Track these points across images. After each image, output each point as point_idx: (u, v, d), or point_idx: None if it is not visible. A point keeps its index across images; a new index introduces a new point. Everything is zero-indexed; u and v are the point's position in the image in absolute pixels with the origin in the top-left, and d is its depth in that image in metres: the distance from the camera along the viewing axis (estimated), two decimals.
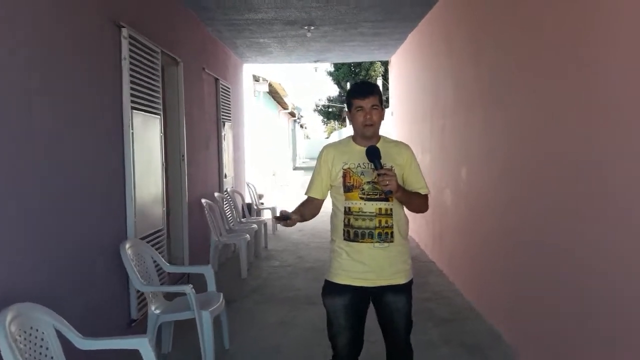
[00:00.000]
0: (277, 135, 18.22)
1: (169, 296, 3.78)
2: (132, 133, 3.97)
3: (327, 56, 9.50)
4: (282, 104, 18.10)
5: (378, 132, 2.51)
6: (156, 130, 4.62)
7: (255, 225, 6.75)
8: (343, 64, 27.56)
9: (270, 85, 12.24)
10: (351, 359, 2.52)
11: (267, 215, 9.19)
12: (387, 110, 11.34)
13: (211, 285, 3.77)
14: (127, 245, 3.44)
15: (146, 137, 4.37)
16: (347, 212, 2.43)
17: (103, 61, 3.70)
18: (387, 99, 12.00)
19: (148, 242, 4.30)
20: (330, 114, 33.14)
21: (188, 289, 3.27)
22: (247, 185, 8.67)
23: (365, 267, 2.40)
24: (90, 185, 3.41)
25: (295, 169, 29.26)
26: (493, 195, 4.20)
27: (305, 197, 2.59)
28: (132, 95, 4.00)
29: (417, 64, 7.49)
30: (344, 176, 2.44)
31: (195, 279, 4.72)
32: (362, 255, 2.40)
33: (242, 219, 7.23)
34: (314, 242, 7.68)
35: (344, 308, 2.44)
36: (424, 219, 7.05)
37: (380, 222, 2.38)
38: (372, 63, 23.90)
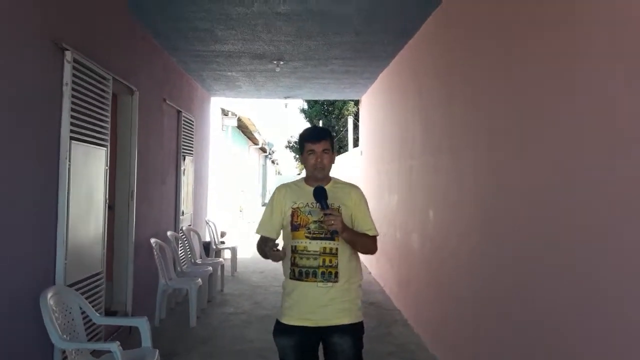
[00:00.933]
0: (245, 170, 17.86)
1: (98, 353, 3.32)
2: (69, 166, 3.58)
3: (297, 92, 9.30)
4: (253, 139, 17.82)
5: (328, 175, 2.58)
6: (100, 163, 4.23)
7: (210, 268, 6.31)
8: (316, 102, 27.64)
9: (239, 119, 11.96)
10: None
11: (227, 255, 8.74)
12: (356, 150, 11.16)
13: (146, 341, 3.33)
14: (49, 295, 3.00)
15: (87, 170, 3.97)
16: (294, 250, 2.45)
17: (41, 86, 3.35)
18: (358, 138, 11.84)
19: (83, 287, 3.86)
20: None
21: (114, 346, 2.84)
22: (207, 222, 8.24)
23: (309, 307, 2.42)
24: (13, 224, 3.00)
25: (264, 204, 28.77)
26: (461, 242, 3.93)
27: (258, 236, 2.62)
28: (72, 124, 3.62)
29: (386, 104, 7.34)
30: (292, 215, 2.48)
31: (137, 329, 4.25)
32: (306, 295, 2.42)
33: (198, 260, 6.77)
34: (273, 286, 7.24)
35: (292, 348, 2.46)
36: (389, 263, 6.74)
37: (324, 261, 2.41)
38: (344, 102, 23.99)
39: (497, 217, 3.28)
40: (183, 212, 7.35)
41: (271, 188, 40.48)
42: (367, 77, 7.74)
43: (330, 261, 2.42)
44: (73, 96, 3.64)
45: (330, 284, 2.41)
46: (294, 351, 2.47)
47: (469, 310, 3.75)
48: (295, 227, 2.48)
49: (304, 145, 2.53)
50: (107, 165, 4.35)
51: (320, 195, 2.40)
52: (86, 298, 3.92)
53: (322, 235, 2.43)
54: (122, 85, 4.84)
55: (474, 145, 3.70)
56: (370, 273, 8.39)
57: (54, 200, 3.49)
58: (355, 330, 2.48)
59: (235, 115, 11.38)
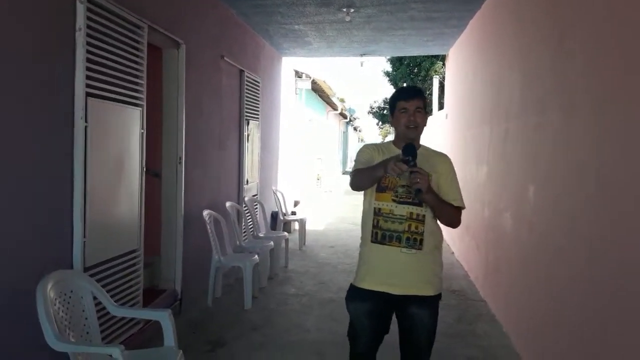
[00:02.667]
0: (323, 137, 17.21)
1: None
2: (86, 127, 3.04)
3: (374, 48, 8.34)
4: (331, 104, 17.05)
5: (420, 138, 2.47)
6: (134, 124, 3.69)
7: (271, 243, 5.72)
8: (401, 64, 26.15)
9: (313, 82, 11.21)
10: (368, 358, 2.48)
11: (296, 227, 8.18)
12: (441, 112, 10.05)
13: (168, 338, 2.76)
14: (49, 284, 2.48)
15: (115, 133, 3.44)
16: (377, 213, 2.37)
17: (50, 31, 2.80)
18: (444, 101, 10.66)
19: (111, 268, 3.37)
20: (384, 116, 31.65)
21: (117, 352, 2.27)
22: (274, 193, 7.67)
23: (390, 272, 2.33)
24: (20, 195, 2.51)
25: (345, 173, 28.13)
26: (571, 232, 2.95)
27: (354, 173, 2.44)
28: (90, 78, 3.07)
29: (477, 56, 6.22)
30: (392, 172, 2.25)
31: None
32: (388, 260, 2.34)
33: (261, 234, 6.22)
34: (342, 264, 6.56)
35: (367, 314, 2.40)
36: (475, 244, 5.78)
37: (410, 226, 2.33)
38: (432, 63, 22.41)
39: (628, 203, 2.29)
40: (247, 181, 6.82)
41: (352, 155, 39.62)
42: (454, 25, 6.62)
43: (417, 227, 2.33)
44: (90, 44, 3.07)
45: (414, 250, 2.33)
46: (369, 318, 2.39)
47: (575, 314, 2.81)
48: (381, 189, 2.37)
49: (395, 105, 2.43)
50: (142, 128, 3.80)
51: (410, 151, 2.22)
52: (117, 280, 3.47)
53: (410, 200, 2.33)
54: (164, 37, 4.25)
55: (598, 101, 2.67)
56: (452, 253, 7.45)
57: (68, 167, 2.97)
58: (434, 303, 2.39)
59: (310, 77, 10.63)
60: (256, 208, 6.70)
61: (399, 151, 2.30)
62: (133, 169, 3.72)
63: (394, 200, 2.35)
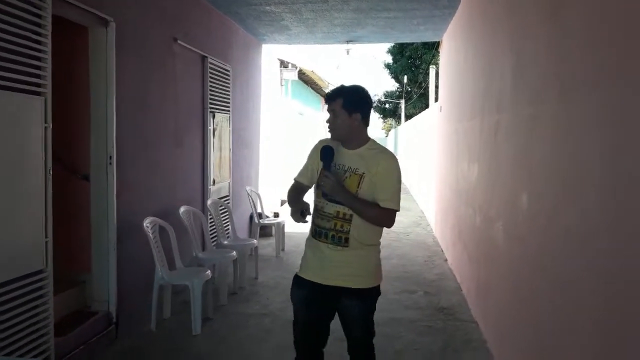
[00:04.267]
0: (318, 131, 16.47)
1: None
2: None
3: (360, 34, 7.60)
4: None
5: (350, 136, 2.49)
6: (31, 117, 2.99)
7: (233, 253, 5.02)
8: (401, 56, 25.35)
9: (301, 72, 10.47)
10: (309, 353, 2.58)
11: (266, 239, 7.47)
12: (435, 105, 9.30)
13: None
14: None
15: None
16: (315, 209, 2.51)
17: None
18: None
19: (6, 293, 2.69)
20: (386, 110, 30.87)
21: None
22: (248, 194, 6.96)
23: (319, 264, 2.47)
24: None
25: None
26: (577, 250, 2.22)
27: (294, 182, 2.64)
28: None
29: (469, 41, 5.47)
30: (320, 173, 2.43)
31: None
32: (319, 253, 2.47)
33: (225, 241, 5.52)
34: None
35: (302, 301, 2.52)
36: (467, 254, 5.06)
37: (335, 224, 2.43)
38: (434, 55, 21.59)
39: None
40: (214, 181, 6.12)
41: None
42: (445, 6, 5.87)
43: (342, 226, 2.42)
44: None
45: (339, 247, 2.42)
46: (304, 305, 2.51)
47: (580, 347, 2.09)
48: (318, 186, 2.46)
49: None
50: (46, 122, 3.10)
51: (325, 154, 2.41)
52: (10, 311, 2.79)
53: (338, 199, 2.39)
54: (83, 13, 3.54)
55: (609, 82, 1.94)
56: (446, 260, 6.73)
57: None
58: (363, 295, 2.47)
59: (296, 66, 9.90)
60: (224, 212, 6.00)
61: (341, 149, 2.49)
62: (34, 171, 3.03)
63: (324, 198, 2.43)
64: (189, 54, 5.38)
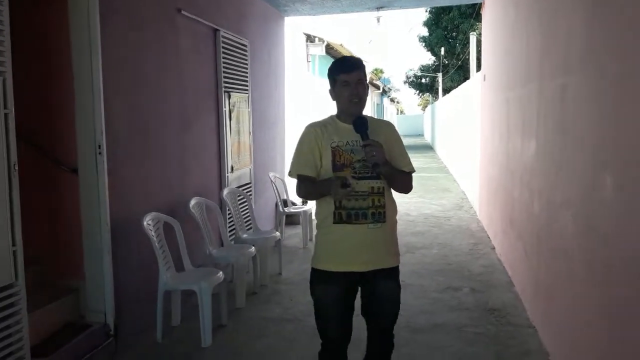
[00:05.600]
0: None
1: None
2: None
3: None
4: None
5: (363, 110, 2.37)
6: None
7: (252, 249, 4.45)
8: (436, 27, 24.09)
9: (328, 46, 9.72)
10: (341, 350, 2.43)
11: (293, 228, 6.87)
12: (477, 75, 8.43)
13: None
14: None
15: None
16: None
17: None
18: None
19: None
20: (422, 85, 29.59)
21: None
22: (272, 181, 6.37)
23: (359, 250, 2.28)
24: None
25: None
26: None
27: (296, 178, 2.40)
28: None
29: None
30: (334, 154, 2.30)
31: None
32: (356, 238, 2.27)
33: (244, 235, 4.95)
34: None
35: (336, 298, 2.32)
36: (521, 244, 4.33)
37: (373, 201, 2.29)
38: (471, 24, 20.36)
39: None
40: (232, 169, 5.55)
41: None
42: None
43: (379, 201, 2.29)
44: None
45: (379, 224, 2.29)
46: (338, 301, 2.32)
47: None
48: (338, 168, 2.29)
49: (335, 79, 2.33)
50: (6, 107, 2.55)
51: (362, 125, 2.27)
52: None
53: (369, 175, 2.28)
54: None
55: None
56: (493, 249, 5.98)
57: None
58: (397, 273, 2.41)
59: (323, 40, 9.17)
60: (243, 202, 5.43)
61: (345, 125, 2.34)
62: None
63: (353, 177, 2.25)
64: (196, 26, 4.77)
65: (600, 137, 2.44)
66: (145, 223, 3.59)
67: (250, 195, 6.01)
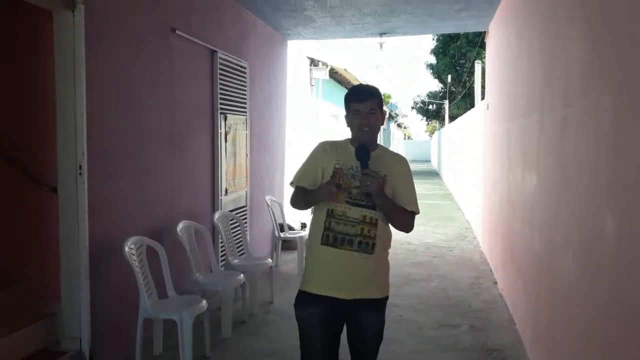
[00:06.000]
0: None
1: None
2: None
3: (394, 24, 6.75)
4: None
5: (375, 139, 2.41)
6: None
7: (240, 277, 4.29)
8: (444, 55, 24.18)
9: (332, 70, 9.69)
10: None
11: (290, 253, 6.70)
12: (481, 103, 8.33)
13: None
14: None
15: None
16: (330, 214, 2.30)
17: None
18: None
19: None
20: (429, 112, 29.55)
21: None
22: (268, 204, 6.23)
23: (340, 276, 2.26)
24: None
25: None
26: None
27: (294, 188, 2.44)
28: None
29: (523, 24, 4.55)
30: (334, 175, 2.32)
31: None
32: (338, 264, 2.26)
33: (235, 261, 4.79)
34: None
35: (318, 321, 2.30)
36: (522, 281, 4.15)
37: (362, 230, 2.28)
38: (479, 52, 20.40)
39: None
40: (226, 191, 5.42)
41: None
42: None
43: (369, 231, 2.27)
44: None
45: (365, 254, 2.26)
46: (321, 324, 2.29)
47: None
48: (341, 188, 2.29)
49: (349, 106, 2.37)
50: None
51: (363, 152, 2.25)
52: None
53: (364, 203, 2.27)
54: None
55: None
56: (495, 283, 5.77)
57: None
58: (383, 305, 2.36)
59: (327, 65, 9.13)
60: (236, 226, 5.28)
61: (352, 148, 2.33)
62: None
63: (347, 202, 2.28)
64: (192, 46, 4.70)
65: (598, 171, 2.29)
66: (127, 248, 3.44)
67: (245, 219, 5.87)
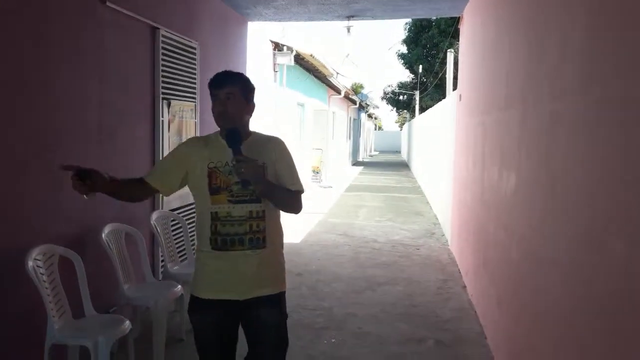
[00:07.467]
0: (325, 125, 15.13)
1: None
2: None
3: (362, 6, 6.22)
4: (333, 87, 14.92)
5: (245, 128, 2.28)
6: None
7: (178, 288, 3.72)
8: (416, 45, 23.82)
9: (298, 56, 9.11)
10: None
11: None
12: (453, 93, 7.92)
13: None
14: None
15: None
16: (214, 217, 2.17)
17: None
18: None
19: None
20: (399, 102, 29.23)
21: None
22: None
23: (236, 278, 2.18)
24: None
25: (355, 164, 25.92)
26: None
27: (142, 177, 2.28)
28: None
29: (503, 9, 4.08)
30: (210, 176, 2.18)
31: None
32: (231, 265, 2.18)
33: (175, 268, 4.21)
34: (303, 314, 4.55)
35: (213, 327, 2.24)
36: (495, 292, 3.73)
37: (251, 226, 2.19)
38: (452, 43, 20.05)
39: None
40: None
41: (369, 145, 36.98)
42: None
43: (258, 226, 2.19)
44: None
45: (258, 250, 2.19)
46: (216, 330, 2.24)
47: None
48: (214, 190, 2.16)
49: (210, 92, 2.23)
50: None
51: (232, 138, 2.11)
52: None
53: (247, 198, 2.17)
54: None
55: None
56: (464, 288, 5.37)
57: None
58: (281, 301, 2.30)
59: (292, 50, 8.55)
60: (178, 228, 4.70)
61: (225, 143, 2.16)
62: None
63: (229, 201, 2.15)
64: (127, 22, 4.08)
65: (602, 178, 1.82)
66: (30, 261, 2.84)
67: (192, 218, 5.29)
